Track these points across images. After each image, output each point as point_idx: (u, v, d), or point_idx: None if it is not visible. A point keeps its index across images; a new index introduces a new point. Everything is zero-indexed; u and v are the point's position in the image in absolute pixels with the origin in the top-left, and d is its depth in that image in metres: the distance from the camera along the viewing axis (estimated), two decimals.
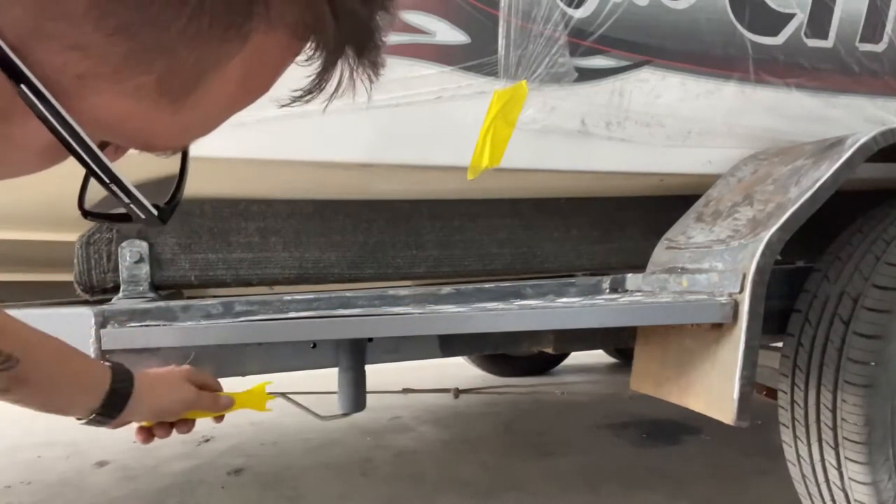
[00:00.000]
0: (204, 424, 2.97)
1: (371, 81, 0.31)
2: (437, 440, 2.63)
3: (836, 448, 1.34)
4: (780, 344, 1.51)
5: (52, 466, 2.37)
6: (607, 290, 1.50)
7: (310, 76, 0.31)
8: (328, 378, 1.38)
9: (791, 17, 1.63)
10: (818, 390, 1.36)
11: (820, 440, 1.37)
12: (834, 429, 1.33)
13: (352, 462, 2.36)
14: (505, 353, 3.52)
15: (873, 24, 1.71)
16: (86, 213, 0.32)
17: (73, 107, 0.24)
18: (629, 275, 1.52)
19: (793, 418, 1.44)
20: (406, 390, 3.34)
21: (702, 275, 1.33)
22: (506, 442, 2.61)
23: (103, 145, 0.32)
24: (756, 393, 1.63)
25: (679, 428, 2.67)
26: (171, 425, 0.88)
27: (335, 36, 0.29)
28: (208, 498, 2.08)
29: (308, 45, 0.29)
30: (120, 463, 2.43)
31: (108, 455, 2.52)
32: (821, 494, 1.42)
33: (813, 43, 1.66)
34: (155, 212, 0.30)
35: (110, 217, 0.29)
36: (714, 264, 1.33)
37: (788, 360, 1.44)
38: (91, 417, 0.76)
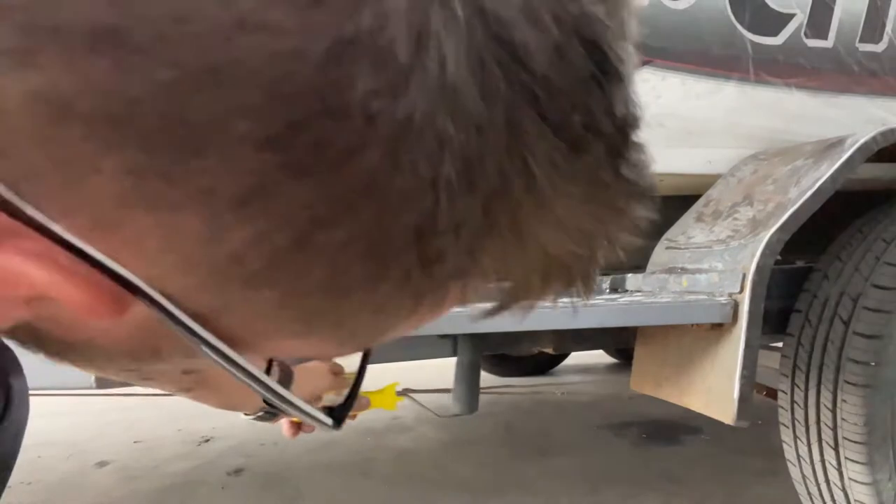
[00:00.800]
0: (203, 424, 2.95)
1: (581, 297, 0.26)
2: (437, 440, 2.63)
3: (836, 448, 1.34)
4: (780, 344, 1.51)
5: (52, 467, 2.37)
6: (607, 291, 1.50)
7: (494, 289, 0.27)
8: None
9: (791, 17, 1.63)
10: (818, 390, 1.36)
11: (820, 440, 1.37)
12: (834, 429, 1.33)
13: (352, 462, 2.36)
14: (505, 353, 3.52)
15: (873, 25, 1.71)
16: (259, 416, 0.33)
17: (247, 352, 0.23)
18: (629, 275, 1.52)
19: (793, 418, 1.44)
20: (406, 390, 3.34)
21: (702, 275, 1.33)
22: (506, 442, 2.61)
23: None
24: (756, 393, 1.63)
25: (679, 428, 2.67)
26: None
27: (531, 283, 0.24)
28: (209, 498, 2.08)
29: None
30: (120, 463, 2.43)
31: (108, 455, 2.52)
32: (821, 494, 1.42)
33: (813, 43, 1.66)
34: (329, 422, 0.28)
35: (292, 419, 0.29)
36: (714, 264, 1.33)
37: (788, 360, 1.44)
38: (259, 414, 0.78)
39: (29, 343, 0.25)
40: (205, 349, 0.21)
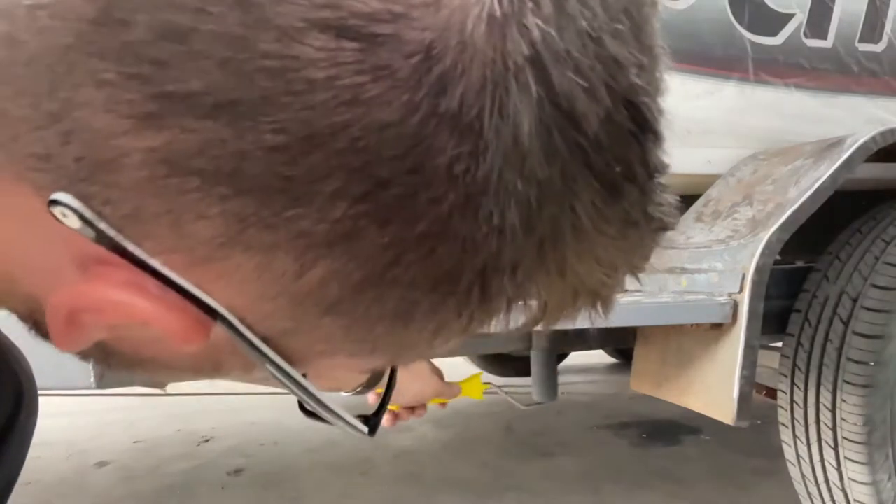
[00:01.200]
0: (203, 424, 2.95)
1: (601, 314, 0.29)
2: (436, 440, 2.63)
3: (835, 448, 1.34)
4: (779, 344, 1.51)
5: (52, 467, 2.37)
6: None
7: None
8: None
9: (790, 17, 1.64)
10: (818, 390, 1.36)
11: (819, 440, 1.37)
12: (833, 429, 1.33)
13: (352, 462, 2.36)
14: (505, 353, 3.51)
15: (872, 24, 1.71)
16: (306, 412, 0.35)
17: (303, 366, 0.25)
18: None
19: (792, 418, 1.44)
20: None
21: (701, 275, 1.33)
22: (506, 442, 2.61)
23: None
24: (756, 393, 1.63)
25: (679, 428, 2.67)
26: (412, 409, 0.91)
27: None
28: (208, 498, 2.08)
29: None
30: (120, 463, 2.43)
31: (108, 455, 2.52)
32: (820, 494, 1.42)
33: (812, 43, 1.66)
34: (365, 429, 0.31)
35: (327, 420, 0.31)
36: (713, 264, 1.33)
37: (788, 360, 1.44)
38: (357, 390, 0.78)
39: (94, 357, 0.26)
40: (269, 367, 0.23)
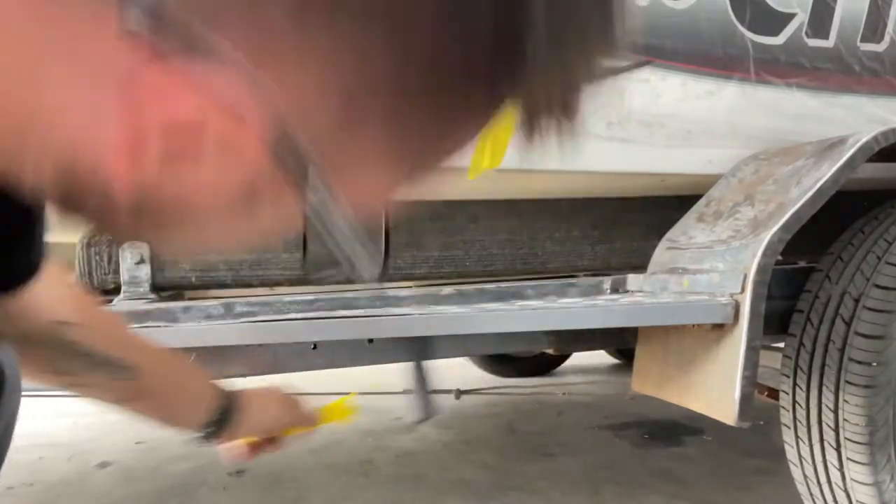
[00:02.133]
0: None
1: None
2: (438, 441, 2.63)
3: (837, 449, 1.33)
4: (781, 344, 1.51)
5: (53, 468, 2.37)
6: (608, 291, 1.50)
7: None
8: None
9: (792, 16, 1.63)
10: (820, 391, 1.35)
11: (822, 441, 1.37)
12: (836, 429, 1.33)
13: (353, 463, 2.36)
14: (506, 354, 3.52)
15: (874, 24, 1.70)
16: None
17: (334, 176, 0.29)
18: (630, 275, 1.52)
19: (794, 419, 1.43)
20: (407, 391, 3.34)
21: (703, 275, 1.33)
22: (507, 442, 2.61)
23: None
24: (757, 393, 1.63)
25: (680, 429, 2.66)
26: (270, 441, 0.88)
27: None
28: (209, 499, 2.08)
29: None
30: (121, 464, 2.43)
31: (109, 456, 2.52)
32: (822, 495, 1.42)
33: (814, 42, 1.66)
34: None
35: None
36: (715, 264, 1.33)
37: (790, 361, 1.44)
38: (204, 432, 0.76)
39: (123, 227, 0.29)
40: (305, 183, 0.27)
